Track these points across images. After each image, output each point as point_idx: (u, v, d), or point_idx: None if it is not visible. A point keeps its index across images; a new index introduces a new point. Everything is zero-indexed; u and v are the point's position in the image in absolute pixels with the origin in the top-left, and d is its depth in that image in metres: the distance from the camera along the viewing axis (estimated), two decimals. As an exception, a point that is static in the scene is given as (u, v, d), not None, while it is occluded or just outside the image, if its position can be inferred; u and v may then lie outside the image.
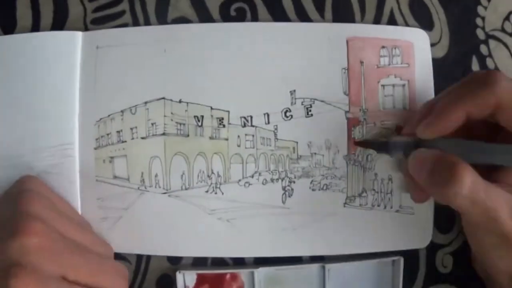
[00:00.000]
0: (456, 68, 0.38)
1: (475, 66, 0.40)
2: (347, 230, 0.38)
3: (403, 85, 0.38)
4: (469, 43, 0.40)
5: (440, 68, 0.39)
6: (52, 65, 0.37)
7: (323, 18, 0.39)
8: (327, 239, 0.37)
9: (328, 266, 0.37)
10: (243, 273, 0.38)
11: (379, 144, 0.36)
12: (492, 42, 0.40)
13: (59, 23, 0.38)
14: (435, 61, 0.39)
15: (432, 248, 0.39)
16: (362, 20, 0.39)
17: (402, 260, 0.37)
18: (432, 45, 0.39)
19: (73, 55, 0.37)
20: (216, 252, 0.38)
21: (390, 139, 0.35)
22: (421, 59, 0.38)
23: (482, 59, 0.40)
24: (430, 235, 0.38)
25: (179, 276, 0.37)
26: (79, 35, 0.37)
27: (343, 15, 0.39)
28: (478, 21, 0.40)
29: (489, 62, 0.40)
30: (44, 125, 0.37)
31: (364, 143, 0.37)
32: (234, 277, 0.38)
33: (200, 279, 0.38)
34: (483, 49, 0.40)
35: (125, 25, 0.38)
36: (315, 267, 0.38)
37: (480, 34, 0.40)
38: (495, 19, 0.40)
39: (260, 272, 0.37)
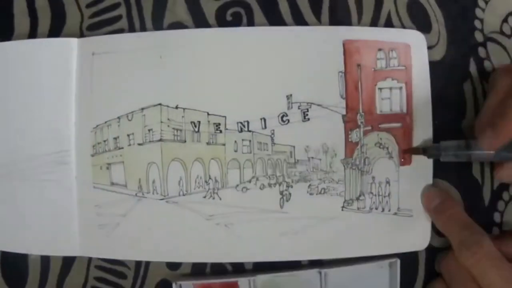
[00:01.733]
0: (454, 71, 0.38)
1: (472, 68, 0.39)
2: (346, 234, 0.37)
3: (400, 88, 0.38)
4: (467, 45, 0.40)
5: (438, 71, 0.38)
6: (48, 72, 0.37)
7: (319, 21, 0.39)
8: (326, 243, 0.37)
9: (325, 271, 0.37)
10: (241, 282, 0.37)
11: (431, 150, 0.36)
12: (490, 45, 0.40)
13: (56, 30, 0.38)
14: (433, 64, 0.38)
15: (432, 250, 0.39)
16: (359, 23, 0.39)
17: (398, 262, 0.37)
18: (430, 47, 0.39)
19: (68, 62, 0.37)
20: (215, 257, 0.38)
21: (441, 144, 0.36)
22: (418, 61, 0.38)
23: (480, 62, 0.40)
24: (429, 237, 0.38)
25: None
26: (74, 41, 0.37)
27: (340, 17, 0.39)
28: (477, 23, 0.40)
29: (487, 65, 0.40)
30: (40, 132, 0.37)
31: (415, 150, 0.37)
32: (232, 285, 0.38)
33: (198, 289, 0.38)
34: (481, 52, 0.40)
35: (121, 30, 0.38)
36: (312, 272, 0.38)
37: (479, 36, 0.40)
38: (493, 21, 0.40)
39: (258, 280, 0.37)
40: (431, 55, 0.38)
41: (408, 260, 0.39)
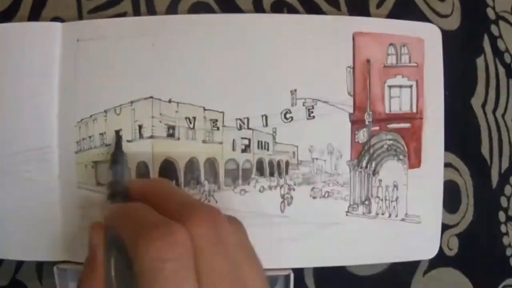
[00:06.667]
0: (468, 44, 0.37)
1: (486, 45, 0.39)
2: (350, 241, 0.36)
3: (411, 86, 0.36)
4: (480, 21, 0.39)
5: (452, 42, 0.37)
6: (28, 60, 0.34)
7: (337, 10, 0.37)
8: (328, 250, 0.35)
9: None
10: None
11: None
12: (502, 23, 0.39)
13: (37, 13, 0.36)
14: (447, 33, 0.37)
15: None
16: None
17: (292, 275, 0.34)
18: (444, 16, 0.37)
19: (51, 49, 0.35)
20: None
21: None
22: (431, 57, 0.36)
23: (493, 39, 0.39)
24: (438, 245, 0.37)
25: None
26: (58, 26, 0.35)
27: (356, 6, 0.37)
28: (489, 0, 0.39)
29: (500, 44, 0.39)
30: (20, 126, 0.34)
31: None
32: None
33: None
34: (494, 29, 0.39)
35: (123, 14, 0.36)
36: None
37: (491, 14, 0.39)
38: (505, 0, 0.39)
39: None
40: (446, 24, 0.37)
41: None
